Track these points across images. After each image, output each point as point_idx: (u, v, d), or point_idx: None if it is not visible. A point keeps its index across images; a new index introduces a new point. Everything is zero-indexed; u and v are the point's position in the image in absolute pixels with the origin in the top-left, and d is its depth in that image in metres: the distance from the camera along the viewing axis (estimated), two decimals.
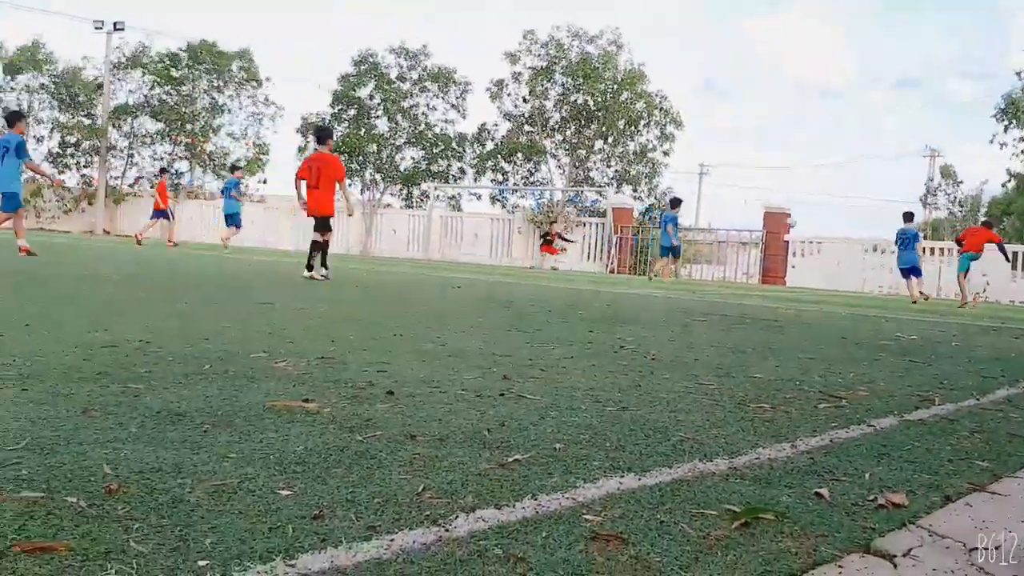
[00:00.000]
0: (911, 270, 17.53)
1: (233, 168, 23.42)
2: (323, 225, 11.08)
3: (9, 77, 33.64)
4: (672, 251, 19.91)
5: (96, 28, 35.55)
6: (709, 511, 1.95)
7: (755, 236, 26.09)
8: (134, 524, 1.65)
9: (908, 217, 18.12)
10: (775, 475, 2.32)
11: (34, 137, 34.74)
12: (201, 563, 1.50)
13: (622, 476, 2.19)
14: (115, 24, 35.52)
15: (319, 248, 11.01)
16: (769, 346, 5.72)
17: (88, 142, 35.02)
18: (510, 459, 2.28)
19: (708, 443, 2.63)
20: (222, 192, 23.12)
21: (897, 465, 2.52)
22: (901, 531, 1.91)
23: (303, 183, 11.11)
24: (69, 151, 34.99)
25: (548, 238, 26.97)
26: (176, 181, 36.18)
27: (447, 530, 1.73)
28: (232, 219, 21.36)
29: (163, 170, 26.25)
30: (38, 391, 2.77)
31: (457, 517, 1.80)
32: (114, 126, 35.76)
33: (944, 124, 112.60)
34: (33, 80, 34.21)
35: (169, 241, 23.00)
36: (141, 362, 3.46)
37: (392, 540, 1.66)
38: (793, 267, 25.07)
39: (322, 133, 11.85)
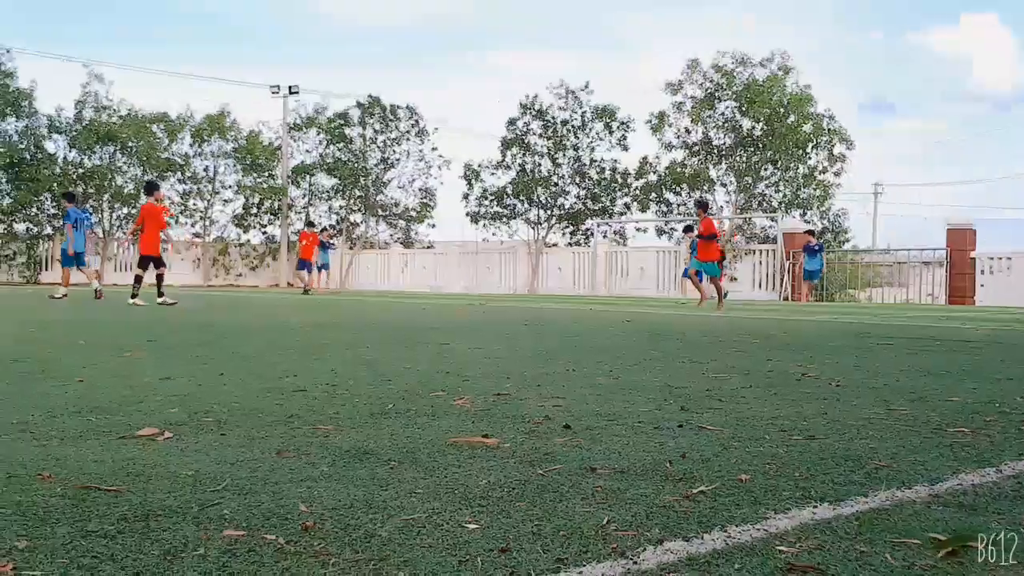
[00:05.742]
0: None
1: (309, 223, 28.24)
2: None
3: (197, 145, 35.95)
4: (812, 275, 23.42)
5: (273, 93, 37.71)
6: (912, 540, 1.84)
7: (938, 255, 24.77)
8: (331, 560, 1.70)
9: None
10: (980, 501, 2.18)
11: (222, 200, 36.99)
12: None
13: (815, 506, 2.10)
14: (290, 88, 37.57)
15: (140, 280, 14.23)
16: (963, 368, 5.39)
17: (269, 201, 37.01)
18: (695, 491, 2.23)
19: (905, 470, 2.49)
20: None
21: None
22: None
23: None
24: (252, 211, 37.03)
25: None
26: (352, 233, 37.83)
27: (635, 563, 1.70)
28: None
29: (310, 223, 28.42)
30: (235, 435, 2.92)
31: (644, 550, 1.77)
32: (294, 184, 37.70)
33: None
34: (218, 147, 36.42)
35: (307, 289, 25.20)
36: (329, 404, 3.61)
37: (580, 573, 1.65)
38: (982, 286, 23.57)
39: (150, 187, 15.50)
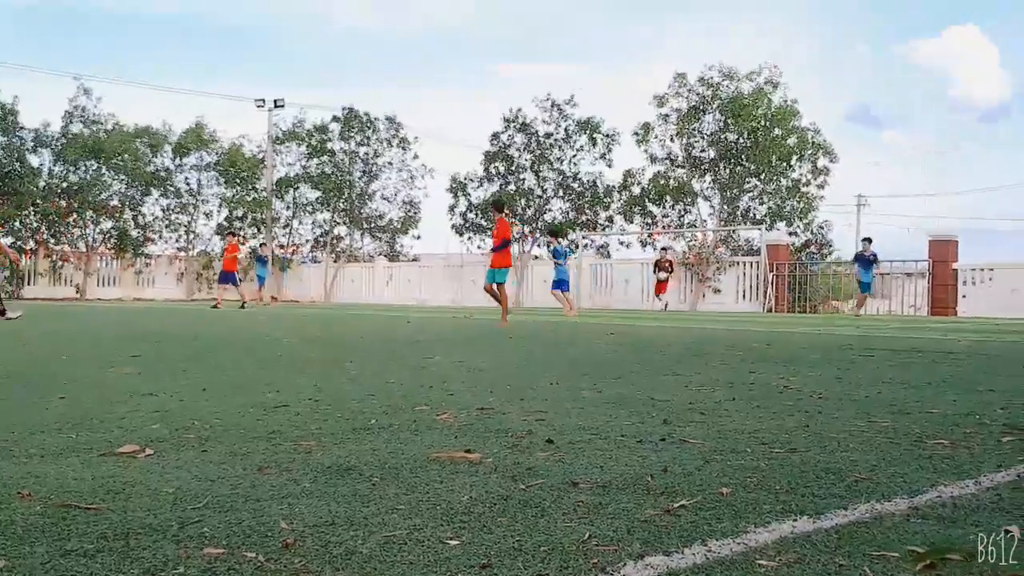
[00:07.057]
0: None
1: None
2: None
3: (178, 158, 35.79)
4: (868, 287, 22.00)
5: (258, 106, 37.62)
6: (891, 553, 1.85)
7: (921, 266, 24.95)
8: None
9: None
10: (960, 513, 2.19)
11: (204, 213, 36.84)
12: None
13: (795, 519, 2.11)
14: (275, 101, 37.52)
15: None
16: (943, 380, 5.43)
17: (253, 214, 36.90)
18: (676, 505, 2.24)
19: (885, 483, 2.51)
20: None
21: None
22: None
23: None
24: (236, 224, 36.90)
25: (663, 269, 25.78)
26: (336, 246, 37.82)
27: None
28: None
29: (231, 233, 28.18)
30: (217, 452, 2.91)
31: (625, 564, 1.78)
32: (277, 197, 37.62)
33: None
34: (200, 159, 36.25)
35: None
36: (311, 419, 3.60)
37: None
38: (964, 296, 23.76)
39: None
